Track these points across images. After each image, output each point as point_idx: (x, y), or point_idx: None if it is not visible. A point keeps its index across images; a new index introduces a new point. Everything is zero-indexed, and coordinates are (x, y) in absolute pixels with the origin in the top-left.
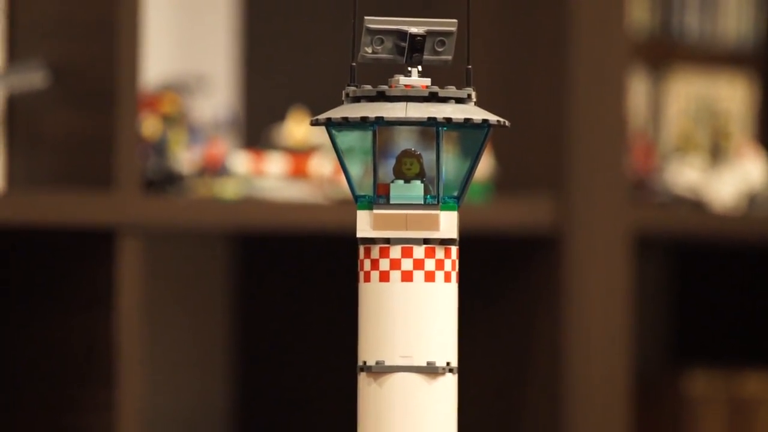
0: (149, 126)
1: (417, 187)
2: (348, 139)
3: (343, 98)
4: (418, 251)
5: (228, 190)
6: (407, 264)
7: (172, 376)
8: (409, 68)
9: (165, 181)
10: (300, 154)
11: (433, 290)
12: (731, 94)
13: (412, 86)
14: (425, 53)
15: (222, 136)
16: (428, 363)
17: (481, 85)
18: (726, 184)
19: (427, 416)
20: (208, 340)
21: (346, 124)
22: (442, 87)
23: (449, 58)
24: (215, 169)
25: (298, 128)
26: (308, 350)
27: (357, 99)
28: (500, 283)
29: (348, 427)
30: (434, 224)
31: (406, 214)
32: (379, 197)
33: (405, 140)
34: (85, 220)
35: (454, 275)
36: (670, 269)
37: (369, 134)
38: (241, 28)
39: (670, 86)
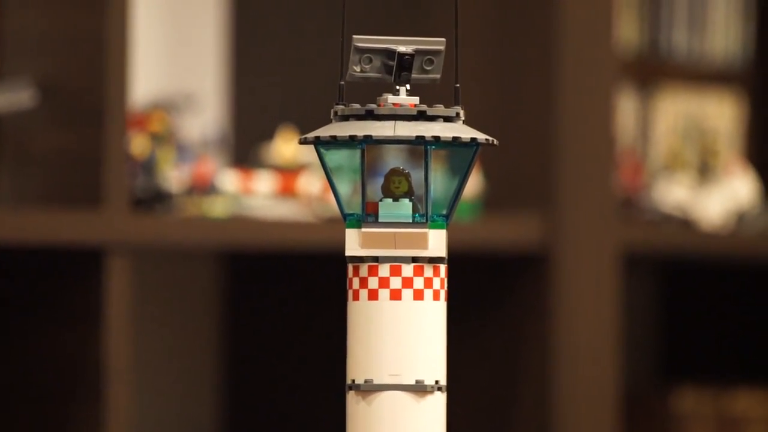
0: (138, 144)
1: (405, 206)
2: (336, 157)
3: (332, 117)
4: (407, 269)
5: (216, 208)
6: (396, 282)
7: (160, 394)
8: (398, 87)
9: (153, 199)
10: (288, 172)
11: (422, 308)
12: (719, 112)
13: (401, 105)
14: (413, 72)
15: (210, 155)
16: (417, 381)
17: (470, 103)
18: (714, 202)
19: None
20: (196, 358)
21: (334, 142)
22: (430, 105)
23: (437, 76)
24: (204, 188)
25: (286, 147)
26: (297, 368)
27: (345, 117)
28: (489, 301)
29: None
30: (423, 242)
31: (395, 233)
32: (368, 216)
33: (393, 159)
34: (74, 239)
35: (442, 293)
36: (659, 287)
37: (357, 153)
38: (229, 47)
39: (658, 104)
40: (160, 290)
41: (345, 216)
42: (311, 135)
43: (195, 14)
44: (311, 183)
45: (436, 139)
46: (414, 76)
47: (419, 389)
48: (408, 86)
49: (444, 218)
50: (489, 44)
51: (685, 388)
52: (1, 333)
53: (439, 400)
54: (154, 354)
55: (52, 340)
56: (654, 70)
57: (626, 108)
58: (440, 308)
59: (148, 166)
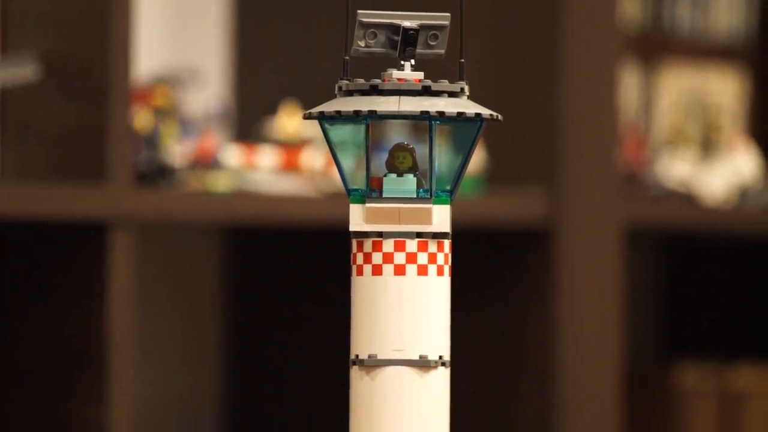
0: (141, 119)
1: (410, 181)
2: (341, 132)
3: (336, 92)
4: (411, 245)
5: (220, 183)
6: (400, 258)
7: (164, 368)
8: (402, 62)
9: (157, 174)
10: (292, 147)
11: (426, 284)
12: (722, 88)
13: (405, 80)
14: (418, 47)
15: (214, 129)
16: (421, 356)
17: (474, 78)
18: (717, 177)
19: (419, 410)
20: (200, 333)
21: (338, 117)
22: (434, 81)
23: (442, 51)
24: (207, 162)
25: (290, 121)
26: (300, 343)
27: (350, 93)
28: (492, 276)
29: (340, 421)
30: (427, 218)
31: (399, 208)
32: (372, 191)
33: (398, 134)
34: (77, 213)
35: (446, 269)
36: (662, 262)
37: (362, 128)
38: (232, 21)
39: (661, 80)
40: (164, 265)
41: (349, 191)
42: (315, 110)
43: None
44: (315, 158)
45: (441, 114)
46: (419, 51)
47: (423, 364)
48: (413, 61)
49: (448, 193)
50: (493, 19)
51: (687, 364)
52: (4, 307)
53: (443, 375)
54: (157, 328)
55: (55, 315)
56: (657, 46)
57: (629, 83)
58: (444, 283)
59: (152, 141)
